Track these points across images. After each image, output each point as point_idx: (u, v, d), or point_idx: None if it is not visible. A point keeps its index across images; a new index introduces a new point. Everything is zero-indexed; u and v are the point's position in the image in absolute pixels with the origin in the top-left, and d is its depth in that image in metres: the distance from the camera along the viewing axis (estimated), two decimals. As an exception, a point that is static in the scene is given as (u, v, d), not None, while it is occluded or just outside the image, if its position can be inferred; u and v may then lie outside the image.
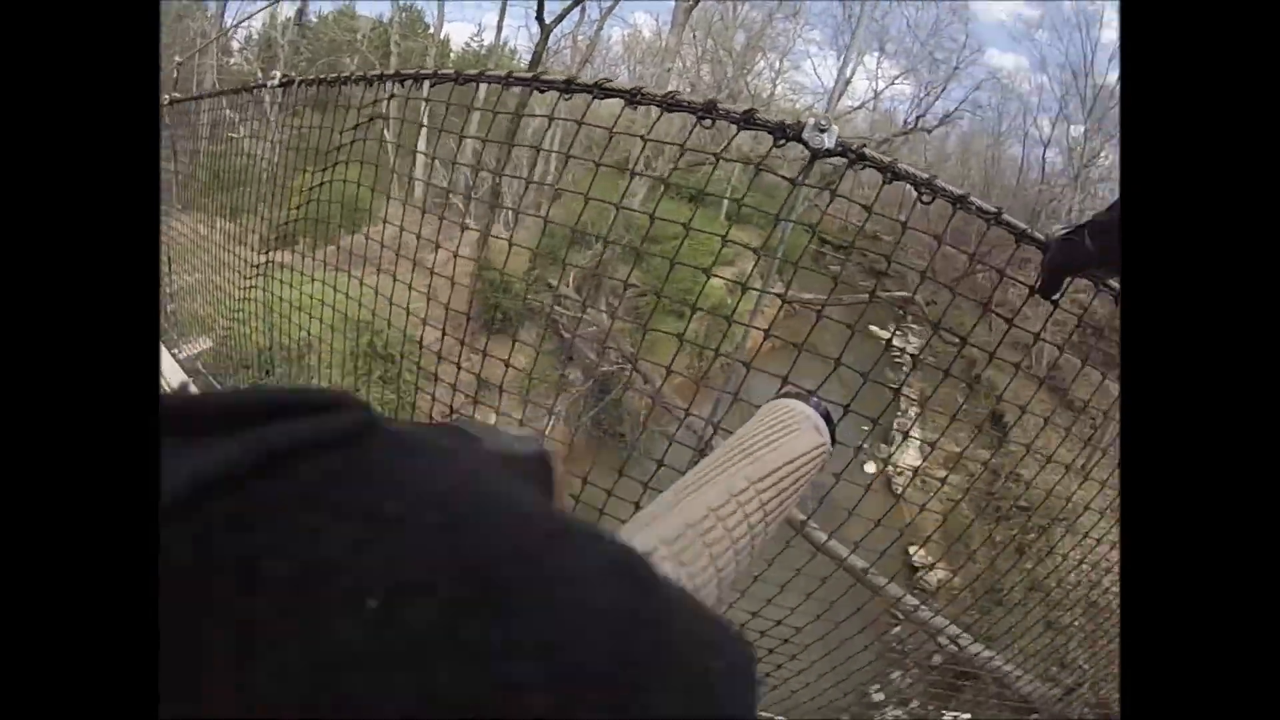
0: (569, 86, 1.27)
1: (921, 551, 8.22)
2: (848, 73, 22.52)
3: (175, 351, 3.62)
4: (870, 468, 8.94)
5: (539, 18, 13.02)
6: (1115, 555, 2.26)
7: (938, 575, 7.74)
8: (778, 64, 21.76)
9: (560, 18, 13.07)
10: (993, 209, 1.15)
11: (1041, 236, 1.10)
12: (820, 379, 1.51)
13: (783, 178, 1.50)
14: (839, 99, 21.97)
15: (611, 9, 15.99)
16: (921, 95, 21.14)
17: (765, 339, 1.60)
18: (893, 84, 22.10)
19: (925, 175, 1.18)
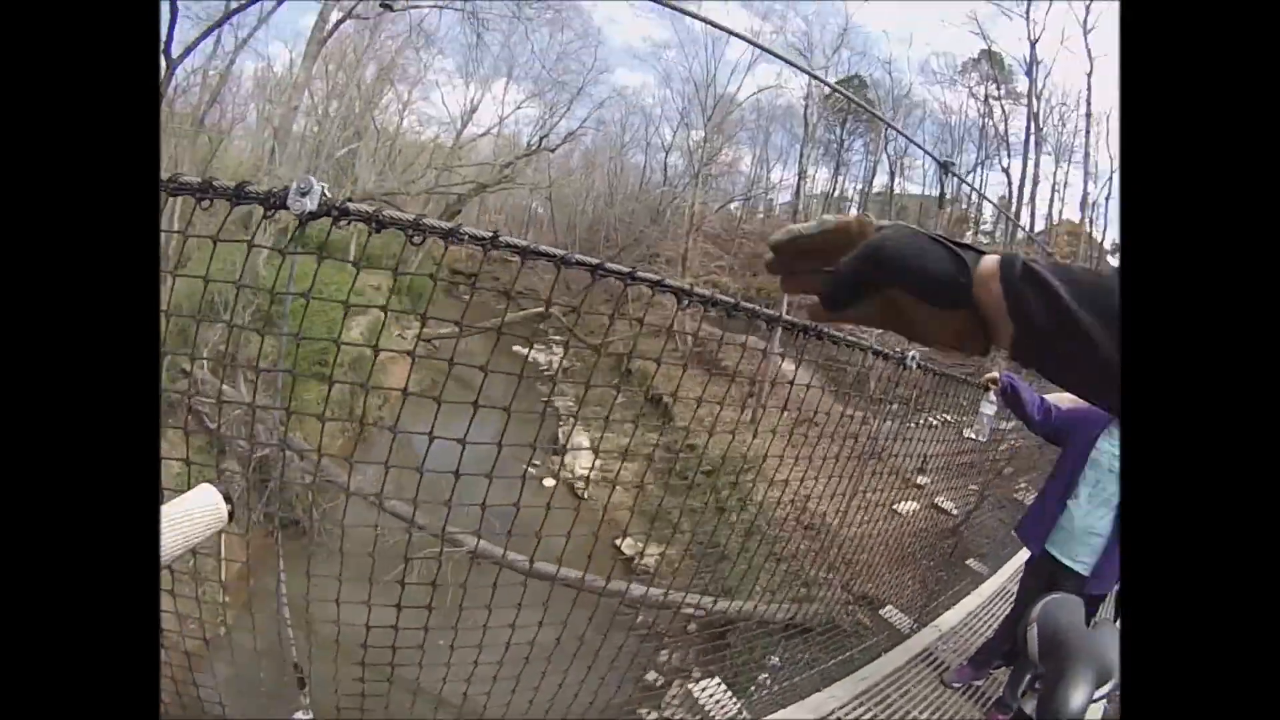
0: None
1: (629, 541, 8.44)
2: (474, 100, 22.48)
3: None
4: (549, 482, 9.13)
5: (165, 51, 11.54)
6: (809, 480, 2.50)
7: (651, 557, 7.94)
8: (407, 95, 21.84)
9: (188, 50, 11.93)
10: (487, 234, 1.31)
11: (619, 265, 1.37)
12: (471, 410, 1.53)
13: (276, 250, 1.59)
14: (465, 128, 22.43)
15: (246, 40, 14.91)
16: (546, 117, 22.10)
17: (405, 396, 1.62)
18: (518, 109, 23.03)
19: (411, 218, 1.28)
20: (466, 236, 1.30)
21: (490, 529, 1.65)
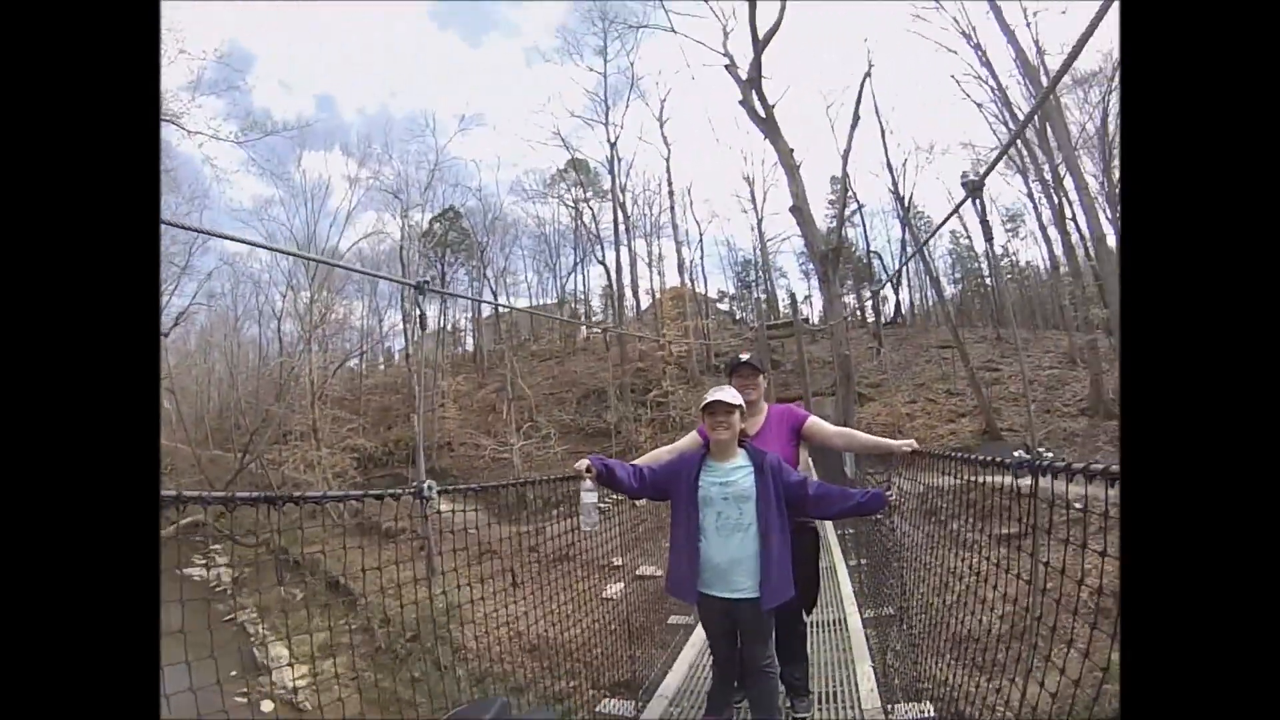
0: None
1: None
2: None
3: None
4: (267, 705, 9.01)
5: None
6: (512, 605, 2.69)
7: None
8: None
9: None
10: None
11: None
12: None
13: None
14: None
15: None
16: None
17: None
18: None
19: None
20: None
21: None
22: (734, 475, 2.47)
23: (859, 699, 3.21)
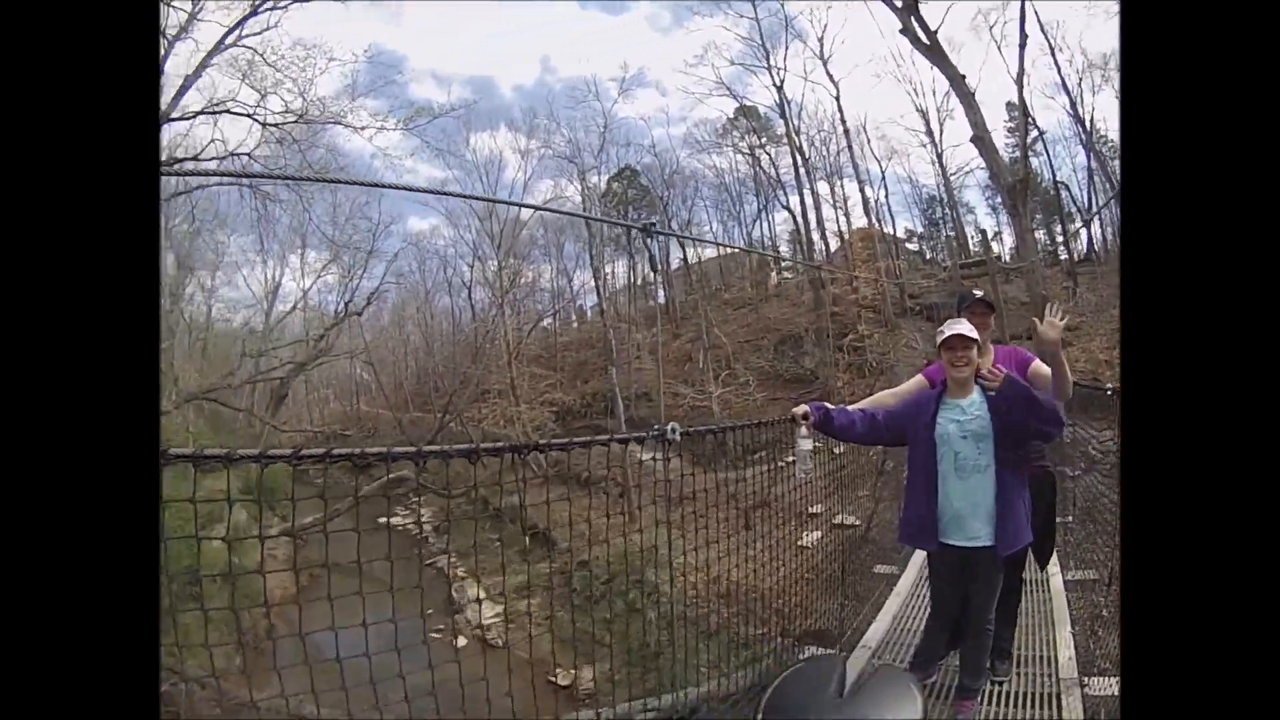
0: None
1: (560, 671, 8.53)
2: (275, 277, 22.45)
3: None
4: (461, 641, 9.22)
5: None
6: (706, 549, 2.61)
7: (589, 677, 8.02)
8: (209, 282, 21.81)
9: None
10: (285, 453, 1.51)
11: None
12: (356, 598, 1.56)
13: None
14: (272, 306, 22.43)
15: None
16: (346, 281, 22.21)
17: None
18: (319, 278, 23.11)
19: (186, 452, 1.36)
20: (240, 457, 1.42)
21: (421, 709, 1.68)
22: (971, 412, 2.39)
23: (1057, 666, 3.01)
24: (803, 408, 2.46)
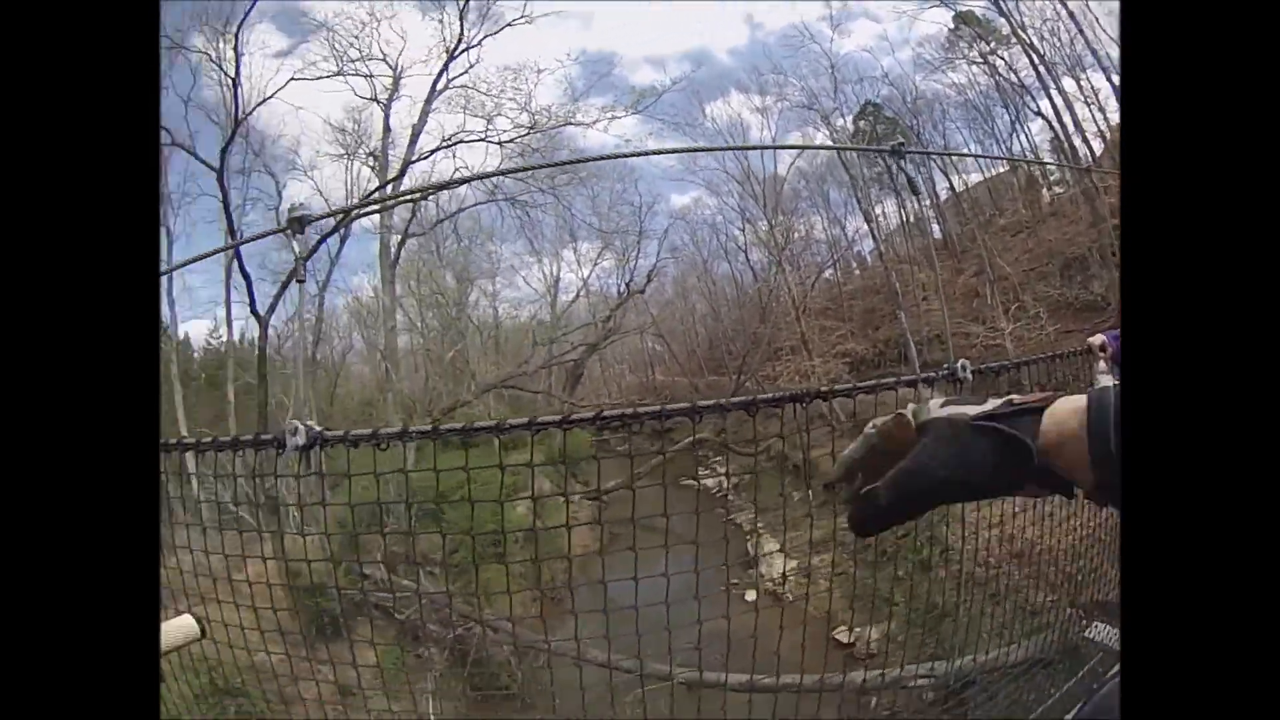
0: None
1: (843, 628, 8.53)
2: (553, 271, 23.30)
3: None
4: (750, 595, 9.14)
5: (254, 311, 12.37)
6: (1004, 504, 2.44)
7: (871, 636, 8.02)
8: (490, 287, 22.91)
9: (273, 306, 12.66)
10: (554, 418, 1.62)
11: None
12: (658, 546, 1.63)
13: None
14: (556, 298, 23.34)
15: (326, 284, 16.18)
16: (622, 264, 23.01)
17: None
18: (595, 266, 23.89)
19: (395, 430, 1.52)
20: (509, 426, 1.54)
21: (706, 657, 1.77)
22: None
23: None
24: (1099, 337, 2.25)
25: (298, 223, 1.67)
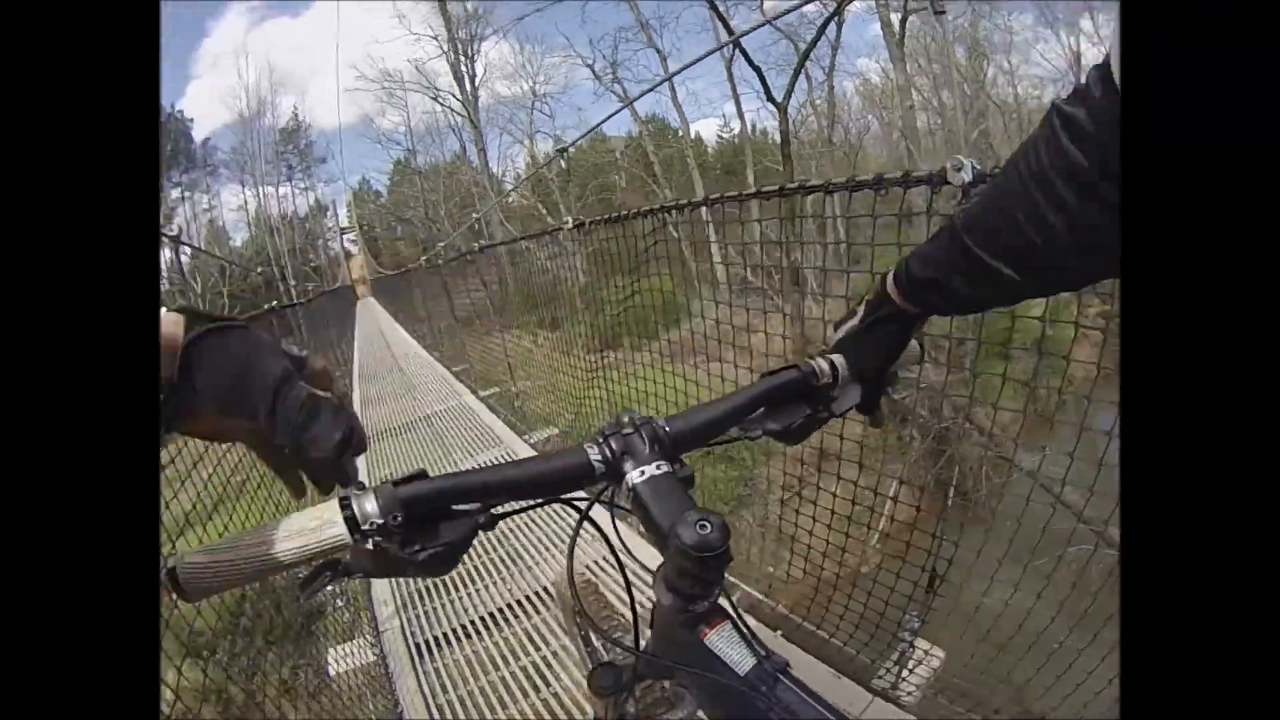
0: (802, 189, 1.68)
1: None
2: (1073, 46, 19.93)
3: (527, 438, 4.34)
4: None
5: (770, 99, 13.17)
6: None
7: None
8: (1008, 64, 20.25)
9: (788, 93, 13.10)
10: None
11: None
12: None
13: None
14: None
15: (832, 67, 16.25)
16: None
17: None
18: None
19: None
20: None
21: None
22: None
23: None
24: None
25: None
